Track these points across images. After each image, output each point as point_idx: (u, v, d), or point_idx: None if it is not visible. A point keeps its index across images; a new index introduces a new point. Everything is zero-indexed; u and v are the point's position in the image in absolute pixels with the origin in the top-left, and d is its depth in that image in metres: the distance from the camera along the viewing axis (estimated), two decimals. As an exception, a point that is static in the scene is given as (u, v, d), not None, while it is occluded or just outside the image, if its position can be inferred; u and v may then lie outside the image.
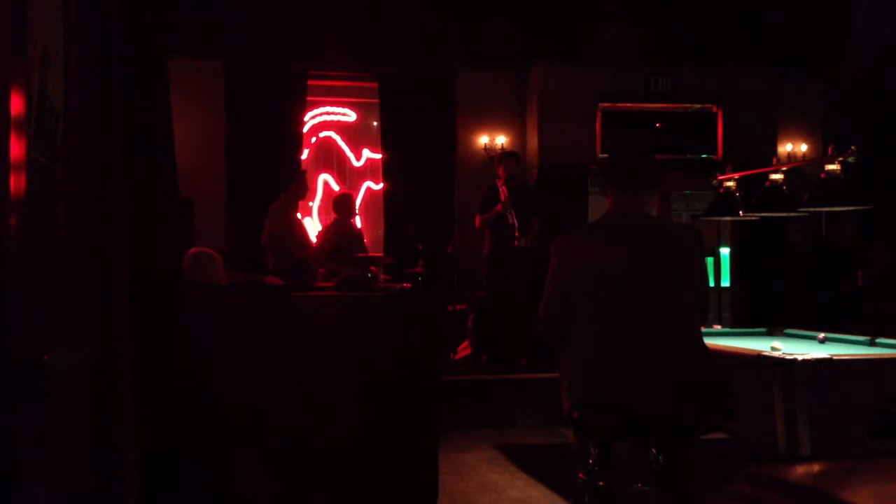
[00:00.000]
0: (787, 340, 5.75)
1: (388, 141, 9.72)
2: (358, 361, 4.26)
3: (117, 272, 2.59)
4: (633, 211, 3.29)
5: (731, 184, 6.49)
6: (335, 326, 4.29)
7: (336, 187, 9.84)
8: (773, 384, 4.89)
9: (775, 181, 6.11)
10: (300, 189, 7.45)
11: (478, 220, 8.28)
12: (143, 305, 2.76)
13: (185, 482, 3.05)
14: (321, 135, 9.96)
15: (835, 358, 4.81)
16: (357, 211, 8.84)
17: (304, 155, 9.62)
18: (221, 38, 9.10)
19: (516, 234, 8.07)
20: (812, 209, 6.13)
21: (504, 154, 8.65)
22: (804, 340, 5.82)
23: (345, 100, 10.03)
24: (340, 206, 8.02)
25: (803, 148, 10.43)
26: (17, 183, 1.73)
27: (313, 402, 4.17)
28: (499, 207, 8.08)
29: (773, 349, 5.06)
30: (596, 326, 3.21)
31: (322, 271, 6.00)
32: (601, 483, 3.19)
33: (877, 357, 5.19)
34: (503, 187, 8.12)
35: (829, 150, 5.60)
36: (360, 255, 7.49)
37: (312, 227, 9.38)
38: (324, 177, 9.93)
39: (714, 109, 9.88)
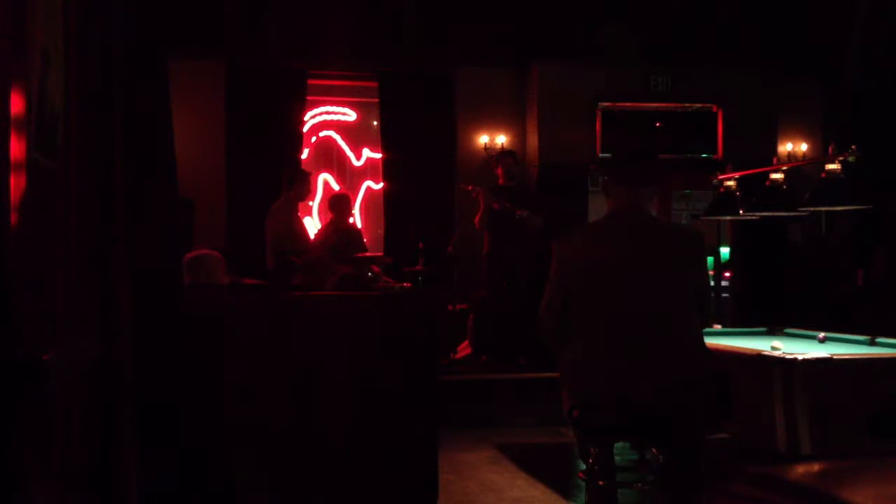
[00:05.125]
0: (787, 340, 5.75)
1: (388, 141, 9.71)
2: (358, 361, 4.25)
3: (117, 272, 2.59)
4: (634, 210, 3.29)
5: (731, 183, 6.49)
6: (335, 326, 4.28)
7: (336, 187, 9.83)
8: (773, 384, 4.89)
9: (775, 181, 6.10)
10: (303, 190, 7.46)
11: (477, 221, 8.31)
12: (143, 306, 2.76)
13: (185, 482, 3.06)
14: (321, 134, 9.96)
15: (835, 358, 4.81)
16: (352, 211, 8.83)
17: (304, 154, 9.62)
18: (221, 38, 9.10)
19: (517, 213, 8.07)
20: (812, 209, 6.13)
21: (502, 154, 8.67)
22: (804, 340, 5.81)
23: (345, 99, 10.03)
24: (336, 205, 8.01)
25: (803, 148, 10.43)
26: (17, 183, 1.73)
27: (313, 402, 4.17)
28: (495, 206, 8.10)
29: (773, 349, 5.06)
30: (596, 326, 3.21)
31: (349, 270, 5.97)
32: (601, 483, 3.19)
33: (877, 357, 5.19)
34: (480, 193, 8.17)
35: (830, 149, 5.60)
36: (360, 254, 7.50)
37: (312, 226, 9.38)
38: (324, 176, 9.92)
39: (714, 109, 9.88)
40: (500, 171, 8.35)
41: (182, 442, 3.03)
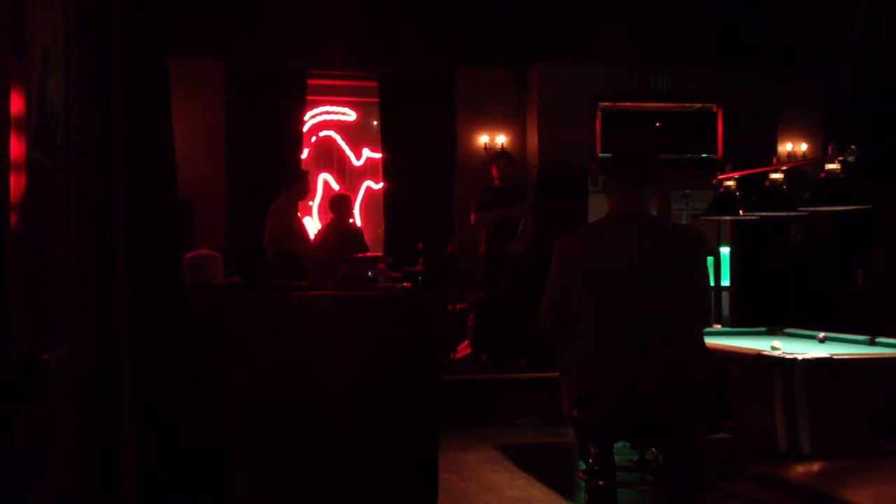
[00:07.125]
0: (787, 340, 5.76)
1: (388, 140, 9.71)
2: (358, 361, 4.25)
3: (117, 272, 2.59)
4: (635, 210, 3.30)
5: (730, 183, 6.49)
6: (335, 326, 4.28)
7: (336, 187, 9.83)
8: (773, 384, 4.89)
9: (775, 181, 6.11)
10: (301, 189, 7.46)
11: (473, 218, 8.25)
12: (143, 305, 2.76)
13: (184, 482, 3.06)
14: (321, 134, 9.96)
15: (835, 358, 4.82)
16: (353, 211, 8.82)
17: (304, 154, 9.61)
18: (221, 38, 9.09)
19: (515, 242, 8.08)
20: (812, 209, 6.13)
21: (497, 154, 8.66)
22: (804, 340, 5.82)
23: (345, 99, 10.03)
24: (337, 206, 8.01)
25: (803, 148, 10.43)
26: (17, 183, 1.73)
27: (313, 402, 4.17)
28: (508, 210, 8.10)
29: (773, 349, 5.06)
30: (597, 326, 3.21)
31: (351, 270, 5.95)
32: (601, 483, 3.19)
33: (877, 357, 5.19)
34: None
35: (829, 149, 5.61)
36: (361, 254, 7.49)
37: (312, 226, 9.38)
38: (324, 176, 9.92)
39: (714, 109, 9.88)
40: (494, 171, 8.34)
41: (182, 442, 3.03)
